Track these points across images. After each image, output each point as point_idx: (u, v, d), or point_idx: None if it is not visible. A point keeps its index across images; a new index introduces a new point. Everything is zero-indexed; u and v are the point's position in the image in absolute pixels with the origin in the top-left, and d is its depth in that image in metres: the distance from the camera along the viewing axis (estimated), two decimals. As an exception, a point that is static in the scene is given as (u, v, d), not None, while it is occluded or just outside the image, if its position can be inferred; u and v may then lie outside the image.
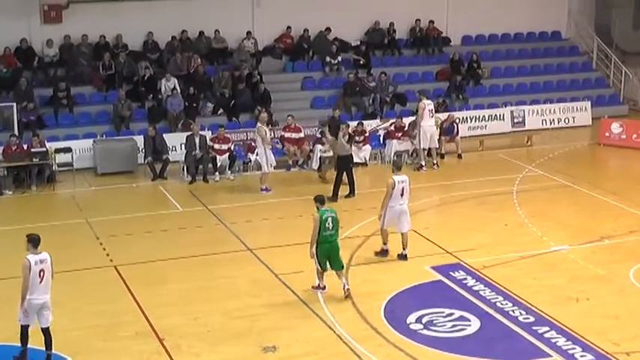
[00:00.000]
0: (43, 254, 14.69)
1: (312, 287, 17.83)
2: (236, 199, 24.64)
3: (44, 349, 14.75)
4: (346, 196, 24.15)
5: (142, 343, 15.55)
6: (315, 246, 17.34)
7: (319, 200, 17.66)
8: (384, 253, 19.82)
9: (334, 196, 23.71)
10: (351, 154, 25.02)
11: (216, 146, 26.59)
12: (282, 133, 27.73)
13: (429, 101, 28.09)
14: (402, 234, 19.66)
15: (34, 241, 14.64)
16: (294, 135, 27.23)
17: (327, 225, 17.30)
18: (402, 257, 19.66)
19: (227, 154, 26.71)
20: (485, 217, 22.81)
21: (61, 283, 18.21)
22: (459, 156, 29.04)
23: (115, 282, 18.44)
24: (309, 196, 23.98)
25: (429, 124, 27.51)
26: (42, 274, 14.53)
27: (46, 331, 14.74)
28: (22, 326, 14.65)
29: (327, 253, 17.42)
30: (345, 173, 24.34)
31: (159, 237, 21.50)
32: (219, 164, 26.52)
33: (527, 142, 31.14)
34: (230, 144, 26.93)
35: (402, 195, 19.47)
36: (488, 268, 18.91)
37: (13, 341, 14.92)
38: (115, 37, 31.54)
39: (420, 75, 34.49)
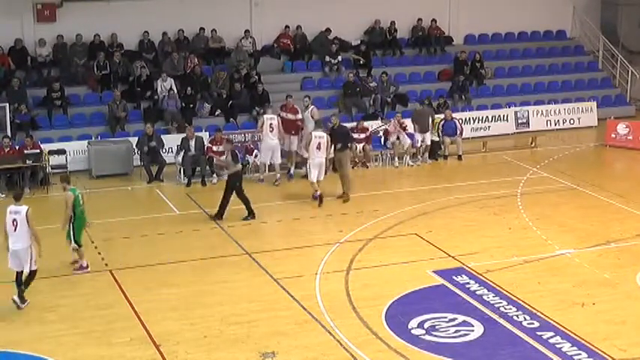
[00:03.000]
0: (20, 207, 17.16)
1: (76, 269, 19.08)
2: (233, 201, 24.62)
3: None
4: (244, 219, 22.85)
5: (138, 349, 15.54)
6: (71, 225, 18.94)
7: (66, 180, 19.61)
8: (318, 199, 23.85)
9: (218, 215, 22.90)
10: (240, 172, 23.38)
11: (215, 148, 26.50)
12: (280, 113, 27.09)
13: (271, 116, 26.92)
14: (317, 181, 23.99)
15: (15, 196, 17.71)
16: (289, 115, 26.77)
17: (80, 201, 19.21)
18: (319, 199, 23.84)
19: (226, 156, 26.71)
20: (489, 220, 22.83)
21: (56, 287, 18.33)
22: (459, 157, 29.09)
23: (111, 286, 18.44)
24: (308, 200, 24.22)
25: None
26: (15, 223, 16.99)
27: (19, 273, 17.16)
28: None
29: (82, 228, 19.27)
30: (235, 192, 22.91)
31: (155, 241, 21.50)
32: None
33: (531, 143, 31.14)
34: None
35: (318, 149, 23.91)
36: (492, 272, 18.92)
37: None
38: (110, 36, 31.56)
39: (421, 75, 34.53)
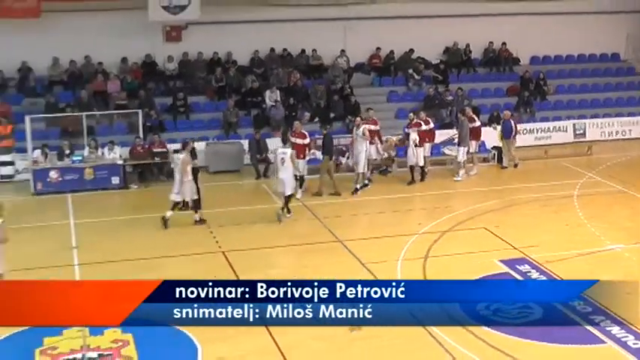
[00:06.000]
0: (286, 149, 22.03)
1: None
2: (329, 196, 24.72)
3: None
4: None
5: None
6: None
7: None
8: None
9: None
10: None
11: (292, 139, 24.28)
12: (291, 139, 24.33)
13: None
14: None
15: (283, 140, 23.92)
16: (298, 141, 24.28)
17: None
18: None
19: (306, 155, 24.77)
20: (549, 217, 22.58)
21: (176, 264, 18.70)
22: (504, 167, 28.41)
23: (223, 266, 18.69)
24: (391, 195, 24.27)
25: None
26: (282, 160, 21.61)
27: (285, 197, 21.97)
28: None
29: None
30: None
31: (261, 228, 21.71)
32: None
33: (587, 151, 30.66)
34: (306, 140, 24.50)
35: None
36: (551, 262, 18.72)
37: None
38: (226, 54, 32.05)
39: (492, 90, 34.23)
